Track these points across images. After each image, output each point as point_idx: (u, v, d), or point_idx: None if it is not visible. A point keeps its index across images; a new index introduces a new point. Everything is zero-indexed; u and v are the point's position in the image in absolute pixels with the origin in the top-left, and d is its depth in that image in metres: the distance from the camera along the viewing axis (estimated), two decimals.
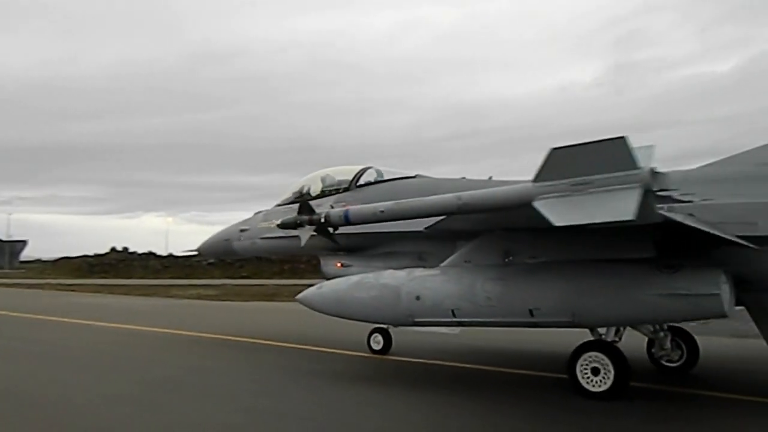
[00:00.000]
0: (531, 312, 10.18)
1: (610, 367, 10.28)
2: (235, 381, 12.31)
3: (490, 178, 13.81)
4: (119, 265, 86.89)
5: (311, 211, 10.50)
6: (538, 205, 7.37)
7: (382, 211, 9.42)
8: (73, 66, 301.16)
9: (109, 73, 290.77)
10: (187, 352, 16.15)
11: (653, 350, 12.97)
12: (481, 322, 11.02)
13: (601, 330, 11.01)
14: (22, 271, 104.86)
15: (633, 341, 12.89)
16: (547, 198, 7.43)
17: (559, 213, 7.17)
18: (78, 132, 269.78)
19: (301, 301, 13.23)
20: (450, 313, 10.83)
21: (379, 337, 15.16)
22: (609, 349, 10.54)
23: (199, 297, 37.49)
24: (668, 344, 12.49)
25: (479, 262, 11.00)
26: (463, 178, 14.25)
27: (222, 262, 68.52)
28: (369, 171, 15.34)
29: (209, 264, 73.53)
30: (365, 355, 15.15)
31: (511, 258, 10.76)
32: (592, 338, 10.84)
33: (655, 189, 6.88)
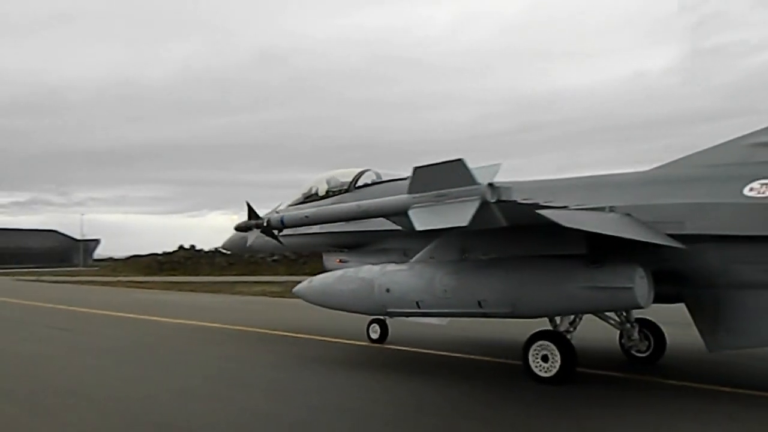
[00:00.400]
0: (479, 303, 11.47)
1: (557, 355, 11.52)
2: (264, 371, 13.80)
3: None
4: (187, 263, 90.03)
5: (257, 216, 12.14)
6: (410, 213, 8.80)
7: (306, 217, 10.97)
8: (140, 70, 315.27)
9: (174, 75, 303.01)
10: (239, 346, 17.47)
11: (622, 341, 13.97)
12: (440, 313, 12.39)
13: (557, 320, 12.27)
14: (96, 268, 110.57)
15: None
16: (417, 207, 8.83)
17: (421, 220, 8.62)
18: (146, 134, 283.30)
19: (296, 294, 14.85)
20: (415, 304, 12.21)
21: (377, 327, 16.67)
22: (557, 338, 11.74)
23: (264, 294, 37.36)
24: (636, 335, 13.48)
25: (441, 258, 12.33)
26: None
27: (286, 258, 70.87)
28: (368, 173, 16.76)
29: (274, 261, 75.88)
30: (365, 344, 16.76)
31: (467, 254, 12.08)
32: (543, 328, 12.09)
33: (492, 200, 8.18)
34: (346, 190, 16.55)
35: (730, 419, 9.37)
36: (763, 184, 10.61)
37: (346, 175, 16.97)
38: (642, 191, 11.78)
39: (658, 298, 12.12)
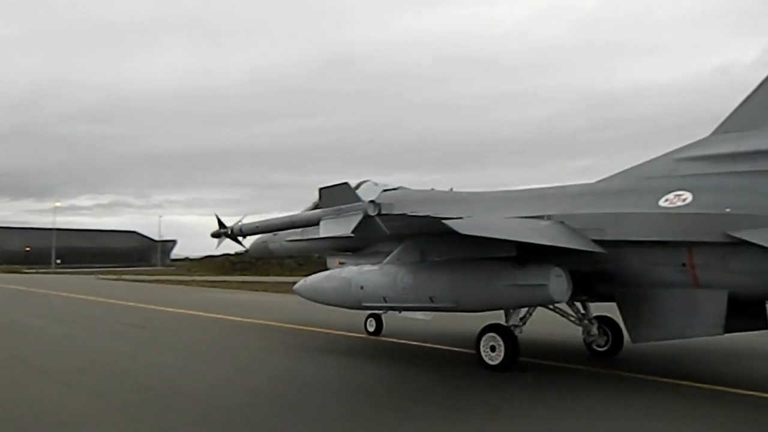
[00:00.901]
0: (431, 299, 13.42)
1: (503, 346, 13.33)
2: (286, 360, 15.69)
3: (451, 189, 17.01)
4: (258, 263, 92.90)
5: (223, 226, 14.46)
6: (321, 223, 10.90)
7: (257, 226, 13.15)
8: (214, 76, 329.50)
9: (246, 80, 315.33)
10: (299, 344, 18.54)
11: (584, 336, 15.54)
12: (402, 307, 14.40)
13: (510, 314, 14.04)
14: (173, 268, 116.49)
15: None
16: (325, 219, 10.91)
17: (325, 229, 10.78)
18: (219, 138, 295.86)
19: (295, 291, 17.07)
20: (382, 299, 14.26)
21: (373, 321, 18.79)
22: (503, 331, 13.54)
23: None
24: (595, 331, 15.07)
25: (405, 260, 14.29)
26: (432, 189, 17.48)
27: None
28: (367, 183, 18.81)
29: (341, 263, 78.35)
30: (363, 336, 19.06)
31: (426, 257, 14.00)
32: (492, 322, 13.91)
33: (372, 214, 10.13)
34: None
35: (654, 407, 10.78)
36: (676, 196, 12.10)
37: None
38: (577, 201, 13.43)
39: (596, 297, 13.88)
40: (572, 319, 15.15)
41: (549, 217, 13.27)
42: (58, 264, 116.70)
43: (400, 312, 15.38)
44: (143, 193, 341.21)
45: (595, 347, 15.41)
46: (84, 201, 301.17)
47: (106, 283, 65.22)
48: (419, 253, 14.08)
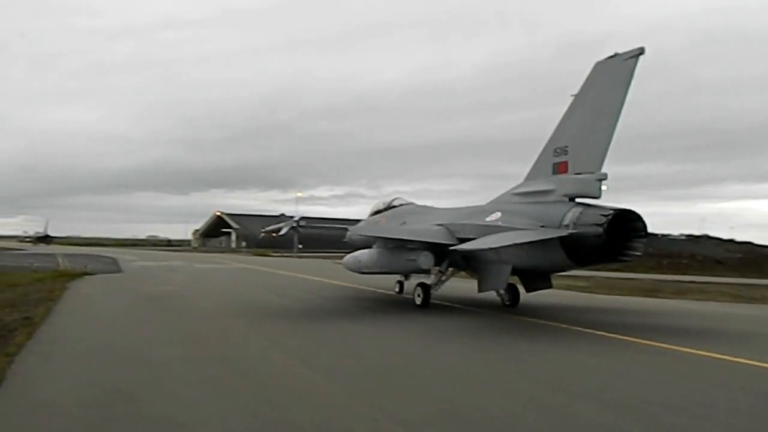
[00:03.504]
0: (382, 266, 26.28)
1: (422, 294, 25.66)
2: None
3: (424, 205, 29.42)
4: None
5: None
6: (282, 229, 24.08)
7: (272, 229, 26.47)
8: (444, 69, 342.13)
9: (477, 72, 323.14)
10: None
11: (498, 294, 26.96)
12: (378, 271, 27.19)
13: (431, 278, 26.16)
14: None
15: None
16: (282, 227, 24.11)
17: (282, 230, 23.94)
18: (449, 130, 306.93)
19: (341, 264, 30.41)
20: (368, 267, 27.23)
21: (398, 285, 31.66)
22: (423, 286, 25.82)
23: (568, 288, 38.60)
24: (502, 292, 26.54)
25: (380, 247, 27.05)
26: (423, 205, 29.90)
27: None
28: (397, 199, 31.64)
29: None
30: (392, 294, 31.89)
31: (386, 246, 26.61)
32: (420, 281, 26.23)
33: (294, 225, 23.13)
34: (387, 209, 31.61)
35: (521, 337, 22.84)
36: (495, 215, 23.27)
37: (387, 201, 32.06)
38: (459, 216, 24.95)
39: (468, 270, 25.60)
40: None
41: (441, 225, 25.14)
42: (300, 249, 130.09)
43: (368, 273, 28.06)
44: (375, 184, 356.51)
45: (505, 302, 26.78)
46: (322, 192, 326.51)
47: (340, 267, 72.57)
48: (383, 243, 26.79)
